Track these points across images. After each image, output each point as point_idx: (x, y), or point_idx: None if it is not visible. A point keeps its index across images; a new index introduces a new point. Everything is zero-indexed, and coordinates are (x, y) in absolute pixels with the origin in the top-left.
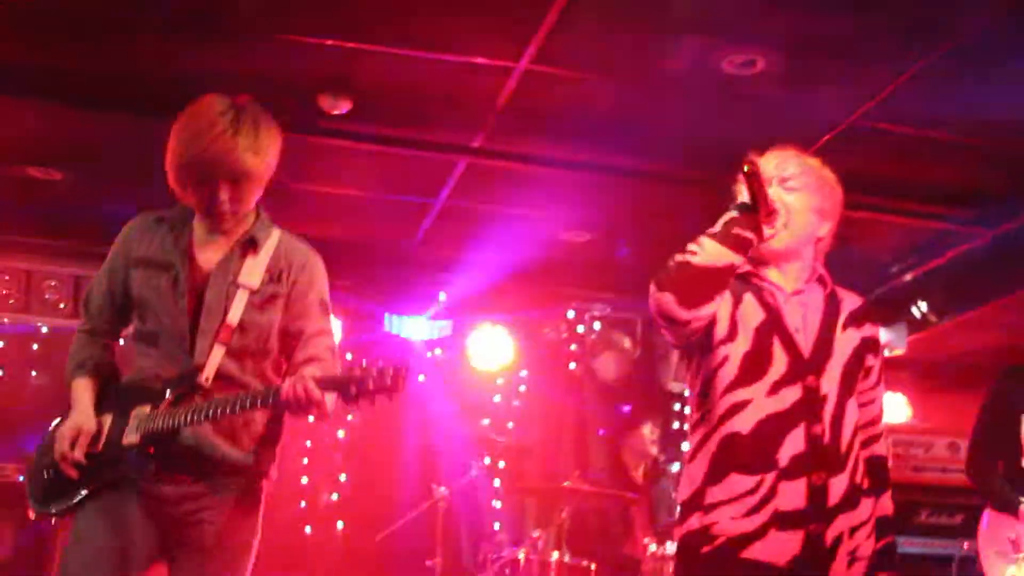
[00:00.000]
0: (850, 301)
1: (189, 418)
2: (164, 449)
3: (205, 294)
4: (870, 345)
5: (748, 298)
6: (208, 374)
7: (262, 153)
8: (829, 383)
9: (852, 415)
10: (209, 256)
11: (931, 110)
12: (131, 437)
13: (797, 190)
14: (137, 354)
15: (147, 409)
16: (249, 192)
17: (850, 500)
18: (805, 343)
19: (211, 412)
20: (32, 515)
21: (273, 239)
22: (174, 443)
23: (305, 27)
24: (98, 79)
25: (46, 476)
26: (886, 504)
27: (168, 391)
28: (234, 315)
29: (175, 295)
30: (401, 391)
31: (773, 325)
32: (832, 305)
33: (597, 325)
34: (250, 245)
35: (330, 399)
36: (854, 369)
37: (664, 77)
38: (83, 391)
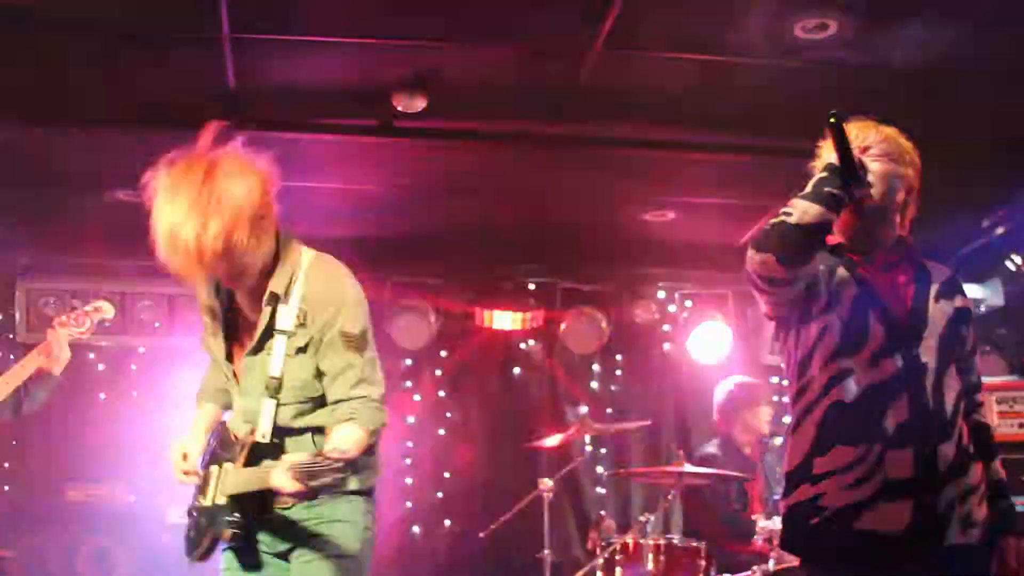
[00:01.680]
0: (939, 272)
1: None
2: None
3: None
4: (964, 315)
5: (841, 271)
6: (264, 431)
7: (221, 234)
8: (927, 353)
9: (953, 384)
10: (248, 314)
11: (1012, 51)
12: (219, 498)
13: (879, 157)
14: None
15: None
16: (239, 267)
17: (959, 466)
18: (900, 314)
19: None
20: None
21: (299, 281)
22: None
23: (376, 28)
24: (173, 95)
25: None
26: (997, 469)
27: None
28: (275, 368)
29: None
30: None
31: (867, 297)
32: (923, 277)
33: (688, 303)
34: (274, 300)
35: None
36: (951, 339)
37: (736, 48)
38: (197, 417)
